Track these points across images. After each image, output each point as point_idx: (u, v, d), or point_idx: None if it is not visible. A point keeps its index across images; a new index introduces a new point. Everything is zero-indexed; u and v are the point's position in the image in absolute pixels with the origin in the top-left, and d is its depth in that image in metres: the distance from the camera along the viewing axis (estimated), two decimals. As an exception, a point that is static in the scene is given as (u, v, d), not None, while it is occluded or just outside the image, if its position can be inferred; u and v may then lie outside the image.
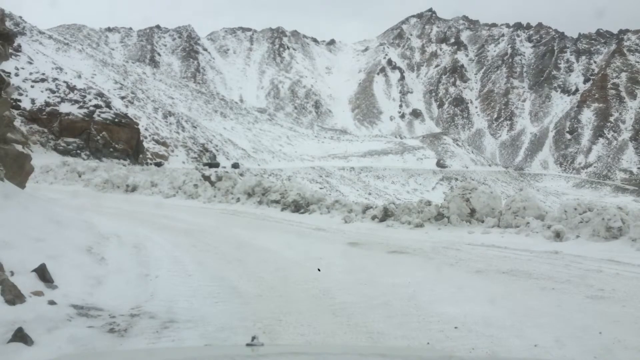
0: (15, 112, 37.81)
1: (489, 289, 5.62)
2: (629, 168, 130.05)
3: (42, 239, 5.71)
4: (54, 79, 49.40)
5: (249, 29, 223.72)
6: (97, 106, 47.62)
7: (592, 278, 5.97)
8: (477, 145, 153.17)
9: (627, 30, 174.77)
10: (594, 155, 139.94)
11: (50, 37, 76.63)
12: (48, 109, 44.61)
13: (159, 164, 48.11)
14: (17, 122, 32.20)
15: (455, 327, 4.14)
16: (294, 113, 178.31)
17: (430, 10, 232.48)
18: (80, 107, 46.31)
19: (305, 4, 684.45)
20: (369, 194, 62.67)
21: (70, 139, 43.90)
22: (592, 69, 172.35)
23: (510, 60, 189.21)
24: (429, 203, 12.10)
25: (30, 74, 48.31)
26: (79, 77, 57.19)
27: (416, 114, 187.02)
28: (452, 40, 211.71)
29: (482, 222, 10.89)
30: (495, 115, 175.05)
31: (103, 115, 46.97)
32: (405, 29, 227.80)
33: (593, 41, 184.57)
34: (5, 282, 3.92)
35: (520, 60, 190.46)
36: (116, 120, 47.70)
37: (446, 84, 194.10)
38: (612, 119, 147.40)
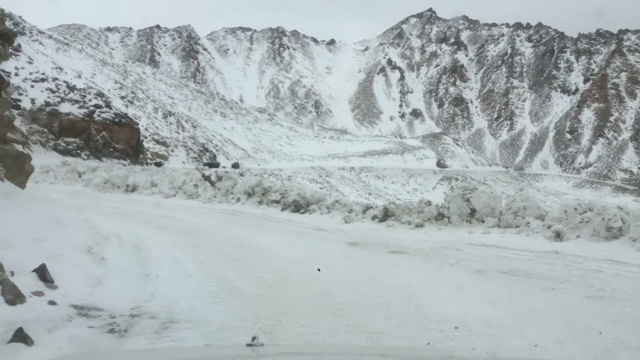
0: (15, 112, 37.80)
1: (489, 289, 5.62)
2: (629, 168, 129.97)
3: (42, 239, 5.71)
4: (54, 79, 49.41)
5: (249, 29, 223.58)
6: (97, 106, 47.62)
7: (592, 278, 5.97)
8: (477, 145, 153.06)
9: (627, 30, 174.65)
10: (594, 155, 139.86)
11: (50, 37, 76.64)
12: (48, 109, 44.61)
13: (159, 164, 48.13)
14: (17, 122, 32.20)
15: (455, 327, 4.14)
16: (294, 113, 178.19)
17: (430, 10, 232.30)
18: (80, 107, 46.30)
19: (305, 4, 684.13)
20: (369, 194, 62.66)
21: (70, 139, 43.89)
22: (592, 69, 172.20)
23: (510, 60, 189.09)
24: (429, 203, 12.10)
25: (30, 73, 48.32)
26: (79, 77, 57.21)
27: (416, 113, 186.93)
28: (452, 40, 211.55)
29: (483, 222, 10.89)
30: (495, 115, 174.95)
31: (103, 115, 46.97)
32: (405, 29, 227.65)
33: (593, 41, 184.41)
34: (5, 282, 3.92)
35: (520, 60, 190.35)
36: (116, 120, 47.70)
37: (446, 84, 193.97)
38: (612, 118, 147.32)
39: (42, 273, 4.51)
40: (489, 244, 8.72)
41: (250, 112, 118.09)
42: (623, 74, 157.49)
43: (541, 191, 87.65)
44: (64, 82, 49.97)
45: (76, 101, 46.90)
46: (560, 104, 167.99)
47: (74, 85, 50.36)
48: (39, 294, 4.17)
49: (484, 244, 8.75)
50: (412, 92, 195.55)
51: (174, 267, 6.35)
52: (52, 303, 4.09)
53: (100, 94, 52.21)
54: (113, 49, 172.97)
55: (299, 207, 14.64)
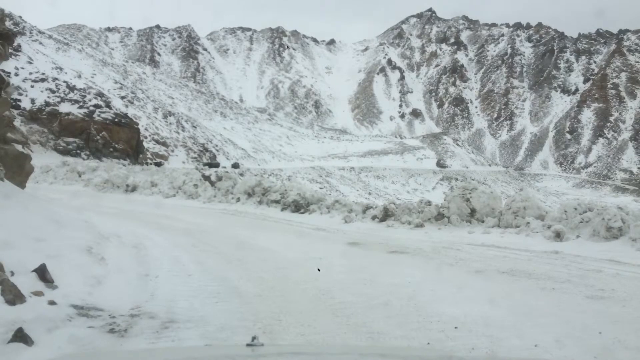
0: (15, 112, 37.80)
1: (489, 289, 5.62)
2: (629, 168, 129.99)
3: (42, 239, 5.71)
4: (54, 79, 49.38)
5: (248, 29, 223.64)
6: (97, 106, 47.60)
7: (592, 278, 5.97)
8: (477, 145, 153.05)
9: (627, 30, 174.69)
10: (594, 155, 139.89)
11: (50, 37, 76.58)
12: (48, 108, 44.58)
13: (159, 164, 48.09)
14: (17, 122, 32.21)
15: (455, 327, 4.14)
16: (294, 113, 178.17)
17: (430, 10, 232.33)
18: (80, 107, 46.28)
19: (305, 4, 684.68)
20: (369, 193, 62.66)
21: (70, 139, 43.87)
22: (592, 69, 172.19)
23: (510, 60, 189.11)
24: (429, 203, 12.10)
25: (30, 73, 48.28)
26: (79, 77, 57.18)
27: (416, 113, 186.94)
28: (452, 40, 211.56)
29: (482, 222, 10.89)
30: (495, 115, 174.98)
31: (103, 115, 46.95)
32: (405, 29, 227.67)
33: (593, 41, 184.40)
34: (5, 282, 3.92)
35: (520, 60, 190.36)
36: (116, 120, 47.68)
37: (446, 84, 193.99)
38: (612, 118, 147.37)
39: (42, 273, 4.51)
40: (489, 244, 8.73)
41: (250, 112, 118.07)
42: (623, 74, 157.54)
43: (541, 191, 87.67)
44: (64, 82, 49.94)
45: (76, 101, 46.88)
46: (560, 104, 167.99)
47: (74, 85, 50.33)
48: (38, 294, 4.17)
49: (484, 244, 8.76)
50: (412, 92, 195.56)
51: (174, 267, 6.35)
52: (52, 303, 4.08)
53: (100, 94, 52.19)
54: (113, 49, 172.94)
55: (299, 207, 14.63)
